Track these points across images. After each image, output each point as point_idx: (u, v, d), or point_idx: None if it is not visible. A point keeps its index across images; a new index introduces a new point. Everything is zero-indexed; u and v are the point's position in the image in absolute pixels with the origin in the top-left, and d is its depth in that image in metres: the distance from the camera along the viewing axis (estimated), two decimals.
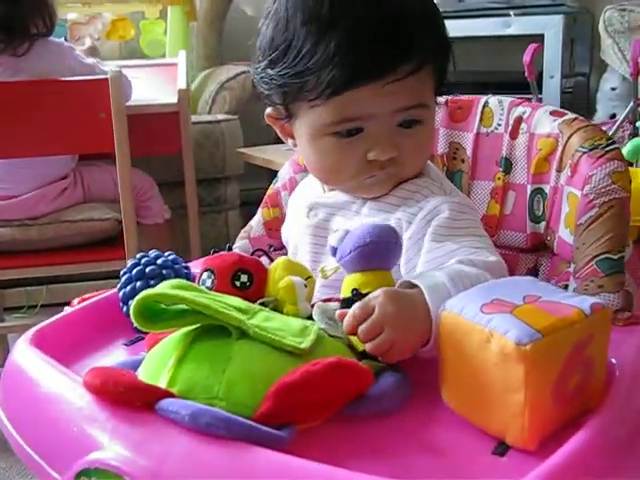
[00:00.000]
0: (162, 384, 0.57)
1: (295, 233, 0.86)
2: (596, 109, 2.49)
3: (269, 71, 0.74)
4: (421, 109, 0.75)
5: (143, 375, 0.61)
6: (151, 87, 1.93)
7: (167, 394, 0.56)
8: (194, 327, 0.62)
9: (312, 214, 0.83)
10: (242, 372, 0.56)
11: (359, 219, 0.79)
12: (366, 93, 0.71)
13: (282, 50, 0.73)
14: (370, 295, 0.61)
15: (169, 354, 0.60)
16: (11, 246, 1.59)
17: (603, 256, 0.75)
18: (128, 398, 0.56)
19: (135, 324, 0.61)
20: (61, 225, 1.58)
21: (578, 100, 2.70)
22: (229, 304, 0.61)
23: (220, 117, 2.30)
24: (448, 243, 0.72)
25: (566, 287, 0.79)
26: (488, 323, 0.55)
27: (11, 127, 1.47)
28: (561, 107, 2.49)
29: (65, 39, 2.06)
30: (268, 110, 0.81)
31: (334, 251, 0.67)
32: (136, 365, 0.64)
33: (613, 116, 2.33)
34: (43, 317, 0.85)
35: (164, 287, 0.62)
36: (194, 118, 2.23)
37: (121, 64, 2.07)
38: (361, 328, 0.60)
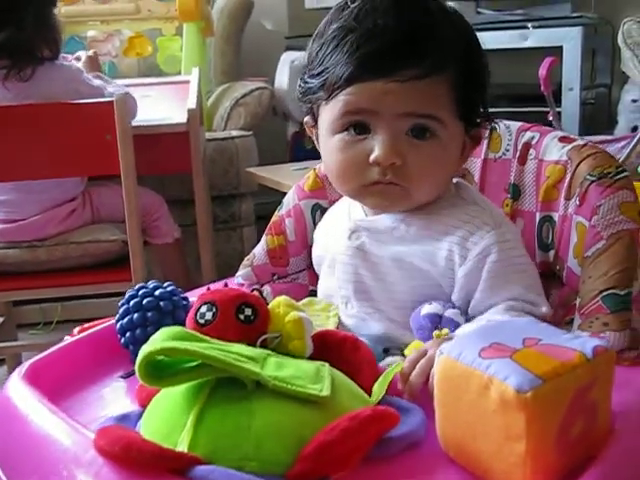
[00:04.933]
0: (182, 447, 0.54)
1: (332, 254, 0.85)
2: (617, 121, 2.45)
3: (304, 77, 0.80)
4: (431, 120, 0.74)
5: (153, 436, 0.58)
6: (164, 105, 1.92)
7: (197, 461, 0.52)
8: (205, 380, 0.59)
9: (354, 236, 0.82)
10: (269, 427, 0.54)
11: (404, 245, 0.78)
12: (370, 88, 0.73)
13: (314, 56, 0.78)
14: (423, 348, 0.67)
15: (183, 412, 0.57)
16: (19, 267, 1.59)
17: (609, 291, 0.72)
18: (155, 466, 0.52)
19: (141, 382, 0.58)
20: (69, 246, 1.58)
21: (599, 112, 2.66)
22: (239, 353, 0.58)
23: (235, 133, 2.29)
24: (499, 292, 0.74)
25: (572, 321, 0.76)
26: (487, 368, 0.53)
27: (18, 150, 1.47)
28: (582, 119, 2.45)
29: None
30: (305, 119, 0.85)
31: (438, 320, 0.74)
32: (132, 421, 0.63)
33: (635, 128, 2.29)
34: (58, 334, 0.85)
35: (166, 339, 0.58)
36: (208, 134, 2.23)
37: (134, 82, 2.08)
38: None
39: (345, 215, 0.86)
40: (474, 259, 0.75)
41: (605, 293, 0.73)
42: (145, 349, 0.57)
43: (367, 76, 0.73)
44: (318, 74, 0.77)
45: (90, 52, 1.88)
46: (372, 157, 0.74)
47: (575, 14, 2.42)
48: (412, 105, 0.73)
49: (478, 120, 0.80)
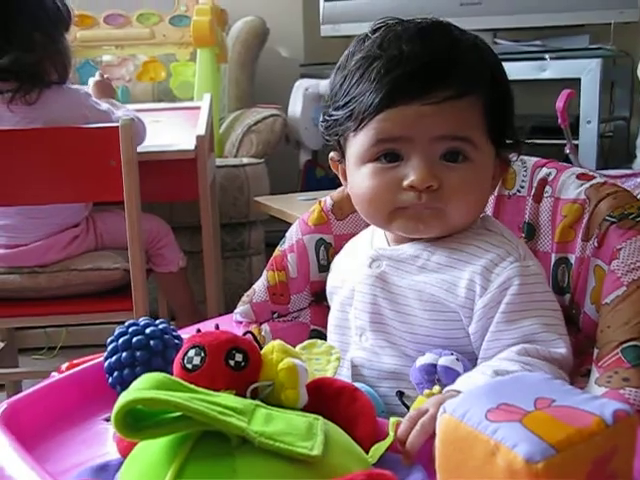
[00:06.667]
0: None
1: (351, 283, 0.81)
2: (636, 155, 2.40)
3: (328, 111, 0.79)
4: (464, 143, 0.73)
5: None
6: (174, 131, 1.90)
7: None
8: (188, 433, 0.54)
9: (375, 265, 0.79)
10: None
11: (425, 275, 0.75)
12: (403, 113, 0.72)
13: (338, 88, 0.77)
14: (424, 405, 0.62)
15: (163, 467, 0.52)
16: (19, 293, 1.56)
17: (630, 343, 0.67)
18: None
19: (118, 433, 0.54)
20: (70, 273, 1.55)
21: (618, 145, 2.62)
22: (225, 405, 0.54)
23: (245, 161, 2.26)
24: (516, 326, 0.70)
25: (589, 372, 0.71)
26: (494, 433, 0.47)
27: (21, 174, 1.45)
28: (599, 152, 2.41)
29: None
30: (331, 154, 0.84)
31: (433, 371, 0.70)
32: (110, 472, 0.58)
33: None
34: (61, 360, 0.82)
35: (147, 387, 0.54)
36: (219, 161, 2.20)
37: (144, 107, 2.06)
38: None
39: (367, 244, 0.83)
40: (495, 290, 0.71)
41: (625, 345, 0.67)
42: (123, 399, 0.53)
43: (399, 101, 0.72)
44: (344, 105, 0.76)
45: (97, 77, 1.86)
46: (407, 182, 0.73)
47: (593, 46, 2.39)
48: (447, 127, 0.72)
49: (507, 143, 0.79)
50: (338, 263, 0.89)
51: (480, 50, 0.77)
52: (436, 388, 0.67)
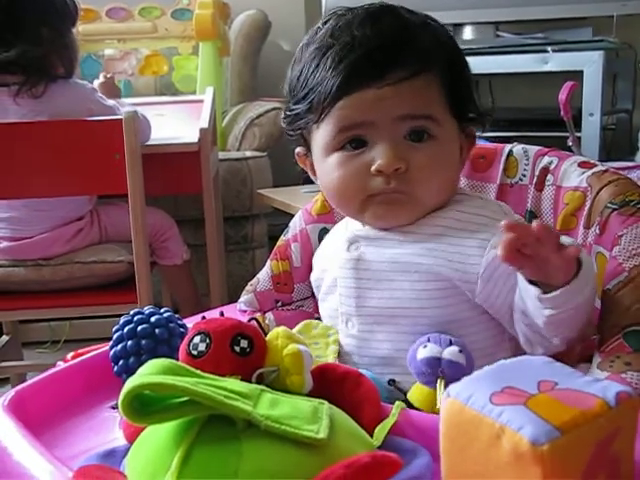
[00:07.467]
0: None
1: (332, 271, 0.81)
2: (638, 147, 2.40)
3: (289, 106, 0.79)
4: (427, 121, 0.73)
5: (138, 476, 0.54)
6: (177, 124, 1.90)
7: None
8: (195, 417, 0.55)
9: (353, 247, 0.78)
10: (257, 472, 0.50)
11: (408, 245, 0.75)
12: (362, 98, 0.72)
13: (295, 82, 0.77)
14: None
15: (170, 452, 0.53)
16: (23, 286, 1.57)
17: (632, 328, 0.67)
18: None
19: (125, 419, 0.55)
20: (74, 266, 1.56)
21: (620, 137, 2.62)
22: (230, 389, 0.54)
23: (248, 154, 2.27)
24: None
25: (591, 358, 0.71)
26: (499, 416, 0.48)
27: (27, 167, 1.46)
28: (602, 145, 2.40)
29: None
30: (297, 150, 0.83)
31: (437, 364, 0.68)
32: (117, 458, 0.59)
33: None
34: (65, 353, 0.83)
35: (154, 373, 0.54)
36: (222, 155, 2.20)
37: (147, 100, 2.07)
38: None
39: (342, 232, 0.83)
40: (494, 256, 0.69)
41: (627, 330, 0.67)
42: (130, 384, 0.53)
43: (356, 86, 0.72)
44: (303, 97, 0.76)
45: (101, 78, 1.87)
46: (374, 167, 0.72)
47: (596, 38, 2.39)
48: (407, 107, 0.73)
49: (470, 116, 0.79)
50: (317, 258, 0.88)
51: (432, 28, 0.77)
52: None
